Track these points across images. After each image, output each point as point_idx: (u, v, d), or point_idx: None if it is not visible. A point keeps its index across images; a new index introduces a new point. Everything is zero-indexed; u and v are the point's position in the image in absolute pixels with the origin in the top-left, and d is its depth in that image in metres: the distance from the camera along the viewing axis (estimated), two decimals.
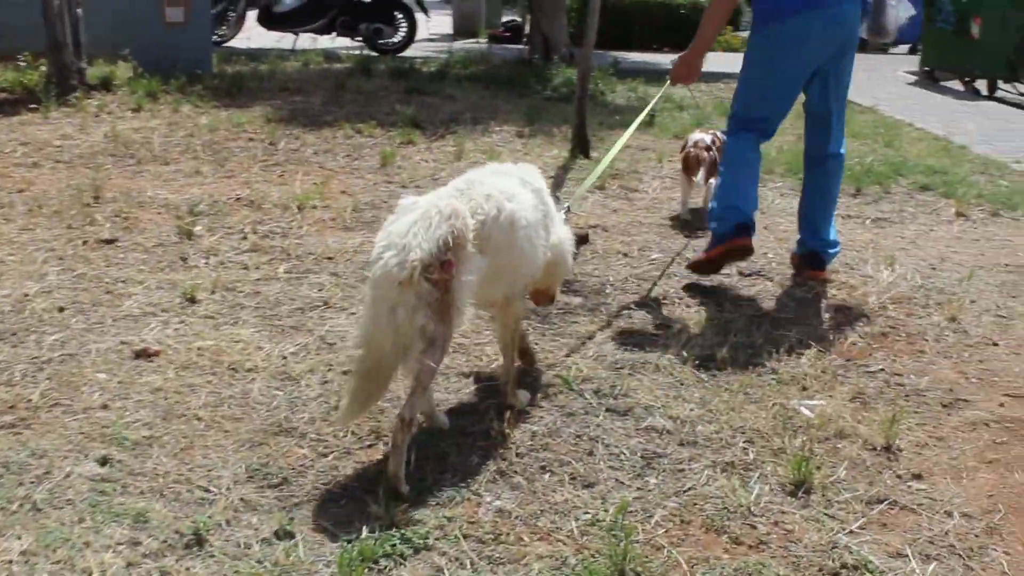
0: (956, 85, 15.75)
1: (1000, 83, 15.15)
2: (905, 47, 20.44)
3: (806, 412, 4.28)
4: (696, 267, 5.72)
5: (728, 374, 4.61)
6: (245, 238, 6.02)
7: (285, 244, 5.93)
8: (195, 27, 11.81)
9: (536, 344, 4.77)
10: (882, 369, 4.75)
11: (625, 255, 6.08)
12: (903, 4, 5.76)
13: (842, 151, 5.87)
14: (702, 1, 17.11)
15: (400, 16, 14.82)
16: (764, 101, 5.60)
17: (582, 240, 5.18)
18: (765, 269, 5.94)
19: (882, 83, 15.08)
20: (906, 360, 4.86)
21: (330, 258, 5.75)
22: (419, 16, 15.09)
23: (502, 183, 3.89)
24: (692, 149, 6.86)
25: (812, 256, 5.86)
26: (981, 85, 15.39)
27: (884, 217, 7.19)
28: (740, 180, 5.59)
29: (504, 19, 18.49)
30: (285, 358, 4.47)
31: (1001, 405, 4.48)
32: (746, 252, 5.61)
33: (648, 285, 5.61)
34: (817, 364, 4.73)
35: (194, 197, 6.77)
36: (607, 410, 4.20)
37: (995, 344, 5.07)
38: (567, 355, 4.70)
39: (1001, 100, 14.65)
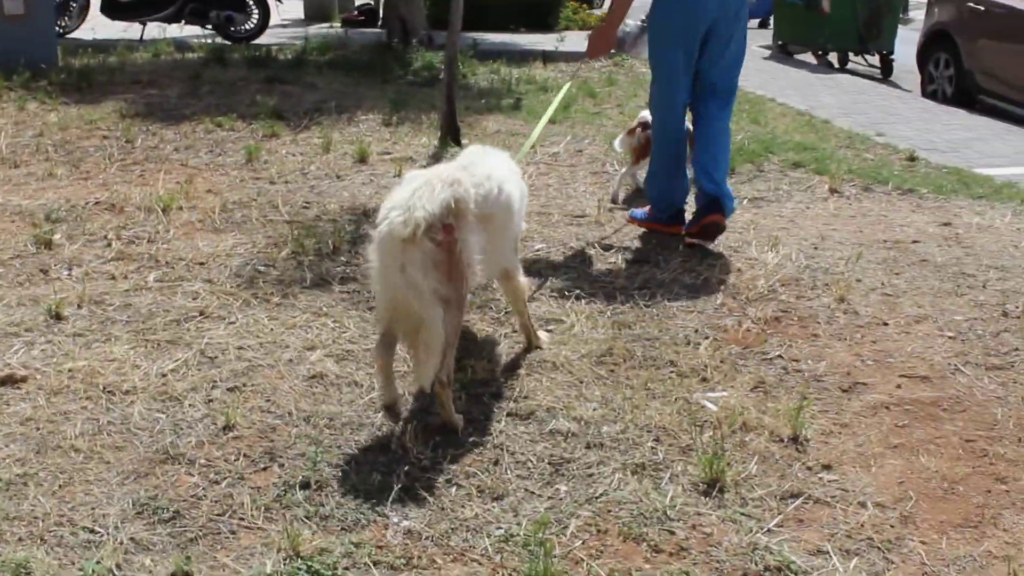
0: (809, 58, 15.99)
1: (851, 55, 15.43)
2: (755, 21, 20.67)
3: (710, 406, 4.20)
4: (633, 223, 6.27)
5: (627, 368, 4.50)
6: (109, 245, 5.69)
7: (153, 250, 5.62)
8: (37, 19, 11.23)
9: None
10: (779, 355, 4.70)
11: None
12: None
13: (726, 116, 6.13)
14: None
15: (251, 3, 14.37)
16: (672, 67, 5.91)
17: None
18: (651, 257, 5.84)
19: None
20: (801, 344, 4.82)
21: (202, 263, 5.46)
22: (271, 2, 14.66)
23: (500, 164, 4.23)
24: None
25: (711, 201, 5.96)
26: (833, 58, 15.65)
27: (761, 196, 7.17)
28: (675, 174, 6.17)
29: (358, 2, 18.12)
30: (164, 376, 4.21)
31: (898, 387, 4.47)
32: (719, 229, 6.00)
33: (535, 279, 5.46)
34: (715, 354, 4.65)
35: (50, 202, 6.38)
36: (508, 415, 4.05)
37: (885, 324, 5.07)
38: (460, 357, 4.52)
39: (853, 72, 14.93)
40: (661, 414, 4.09)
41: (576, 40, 15.25)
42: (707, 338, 4.82)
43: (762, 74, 13.81)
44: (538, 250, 5.89)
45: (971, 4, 12.13)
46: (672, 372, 4.48)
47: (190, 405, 3.99)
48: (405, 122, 8.92)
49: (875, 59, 15.27)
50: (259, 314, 4.84)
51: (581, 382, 4.35)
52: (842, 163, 8.05)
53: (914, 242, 6.26)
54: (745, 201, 7.03)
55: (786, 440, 3.97)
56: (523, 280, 4.54)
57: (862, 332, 4.97)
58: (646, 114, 6.72)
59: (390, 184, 6.86)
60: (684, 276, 5.56)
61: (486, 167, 4.07)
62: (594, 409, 4.11)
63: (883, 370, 4.61)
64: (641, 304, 5.17)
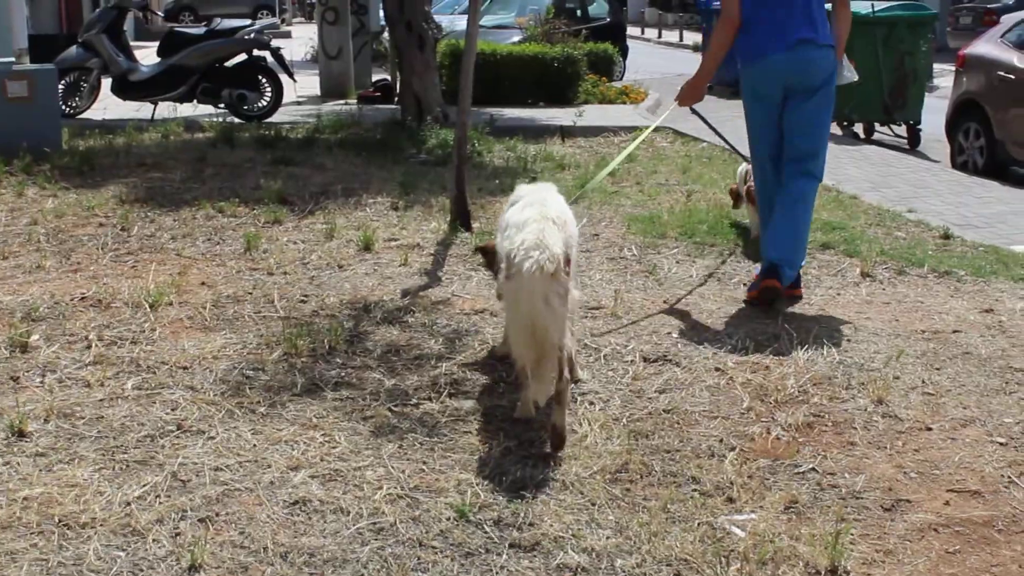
0: (834, 129, 15.61)
1: (877, 126, 15.07)
2: None
3: (737, 532, 3.76)
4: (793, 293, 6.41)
5: (644, 487, 4.07)
6: (89, 347, 5.29)
7: (135, 353, 5.23)
8: (41, 100, 10.98)
9: (422, 464, 4.18)
10: (813, 468, 4.26)
11: None
12: (849, 68, 6.56)
13: (810, 181, 6.46)
14: (575, 54, 16.75)
15: (265, 80, 14.12)
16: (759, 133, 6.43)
17: None
18: (671, 352, 5.42)
19: None
20: (837, 455, 4.38)
21: (186, 367, 5.07)
22: (285, 79, 14.44)
23: (560, 202, 4.79)
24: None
25: (769, 266, 6.22)
26: (859, 128, 15.29)
27: None
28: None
29: (375, 78, 17.92)
30: (129, 504, 3.79)
31: (947, 504, 4.03)
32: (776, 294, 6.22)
33: None
34: (741, 468, 4.21)
35: (33, 298, 6.01)
36: (511, 546, 3.62)
37: (928, 429, 4.63)
38: (460, 475, 4.10)
39: (879, 143, 14.54)
40: (682, 543, 3.65)
41: (595, 114, 14.97)
42: (732, 449, 4.38)
43: None
44: None
45: (1001, 73, 11.75)
46: (694, 490, 4.05)
47: (154, 540, 3.56)
48: (414, 205, 8.56)
49: (902, 129, 14.89)
50: (242, 427, 4.43)
51: (593, 504, 3.91)
52: (873, 244, 7.63)
53: (955, 332, 5.82)
54: None
55: (824, 573, 3.52)
56: (578, 294, 4.94)
57: (903, 439, 4.53)
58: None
59: (394, 275, 6.51)
60: (707, 376, 5.13)
61: (560, 207, 4.68)
62: (607, 538, 3.68)
63: (928, 484, 4.17)
64: (660, 410, 4.74)
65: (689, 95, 6.60)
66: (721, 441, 4.45)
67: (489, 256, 5.26)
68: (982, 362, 5.38)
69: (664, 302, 6.23)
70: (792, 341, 5.59)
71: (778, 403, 4.83)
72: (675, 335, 5.67)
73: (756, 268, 6.61)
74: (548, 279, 4.21)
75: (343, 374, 5.02)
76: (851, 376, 5.14)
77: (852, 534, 3.77)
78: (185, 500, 3.82)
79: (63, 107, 13.60)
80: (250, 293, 6.20)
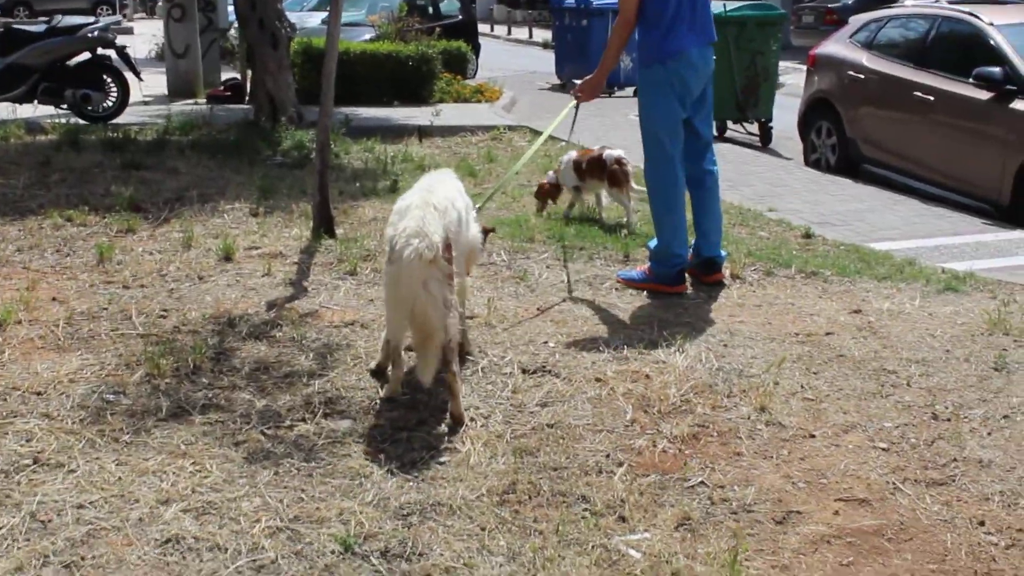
0: None
1: (729, 124, 15.25)
2: (631, 89, 20.52)
3: (633, 553, 3.67)
4: (627, 284, 6.66)
5: (534, 508, 3.94)
6: None
7: None
8: None
9: (301, 492, 3.97)
10: (702, 482, 4.20)
11: None
12: None
13: (716, 168, 6.85)
14: (429, 52, 16.54)
15: (110, 80, 13.56)
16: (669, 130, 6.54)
17: (487, 232, 5.87)
18: (550, 363, 5.30)
19: (616, 128, 14.88)
20: (725, 467, 4.32)
21: (40, 393, 4.74)
22: (131, 78, 13.90)
23: (451, 187, 4.98)
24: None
25: (710, 262, 6.76)
26: None
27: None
28: (681, 220, 6.62)
29: (224, 77, 17.42)
30: None
31: (836, 514, 4.02)
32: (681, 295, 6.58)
33: (422, 396, 4.86)
34: (632, 484, 4.12)
35: None
36: None
37: (812, 436, 4.62)
38: (342, 503, 3.91)
39: (732, 141, 14.72)
40: (578, 568, 3.54)
41: (452, 113, 14.81)
42: (620, 465, 4.28)
43: (639, 146, 13.47)
44: None
45: (851, 72, 11.98)
46: (586, 510, 3.94)
47: None
48: (274, 211, 8.27)
49: (754, 127, 15.10)
50: (105, 458, 4.15)
51: (483, 529, 3.77)
52: (740, 244, 7.66)
53: (827, 334, 5.84)
54: (644, 292, 6.56)
55: None
56: (466, 285, 5.37)
57: (788, 447, 4.50)
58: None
59: (257, 286, 6.26)
60: (588, 387, 5.03)
61: (446, 193, 4.83)
62: (500, 566, 3.55)
63: (817, 493, 4.14)
64: (544, 424, 4.62)
65: (590, 92, 6.93)
66: (608, 456, 4.35)
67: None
68: (856, 364, 5.41)
69: (538, 309, 6.12)
70: (670, 347, 5.53)
71: (662, 413, 4.76)
72: (552, 344, 5.56)
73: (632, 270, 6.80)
74: (427, 265, 4.41)
75: (210, 395, 4.77)
76: (732, 383, 5.10)
77: (747, 549, 3.70)
78: (47, 544, 3.54)
79: None
80: (105, 309, 5.88)
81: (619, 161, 8.10)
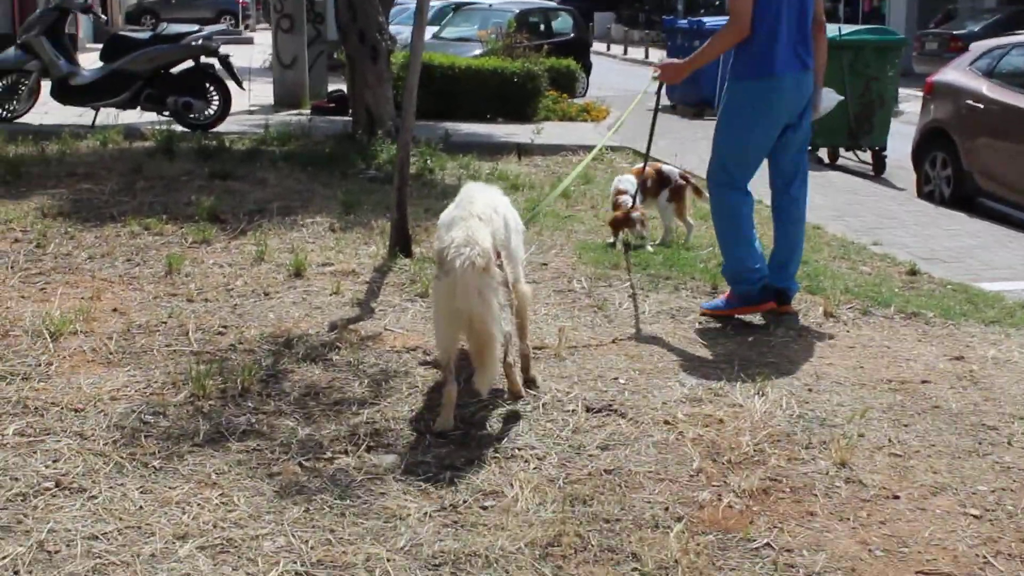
0: None
1: (842, 151, 14.73)
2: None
3: None
4: (714, 314, 6.34)
5: (578, 564, 3.61)
6: None
7: (24, 391, 4.71)
8: None
9: (329, 532, 3.70)
10: (767, 544, 3.81)
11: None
12: (830, 91, 6.86)
13: (802, 197, 6.51)
14: (535, 70, 16.30)
15: (212, 88, 13.59)
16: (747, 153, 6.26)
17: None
18: (617, 401, 4.96)
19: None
20: (795, 527, 3.94)
21: (78, 410, 4.55)
22: (234, 88, 13.91)
23: (496, 198, 4.99)
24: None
25: (782, 293, 6.38)
26: (823, 153, 14.93)
27: (745, 322, 6.31)
28: (749, 238, 6.31)
29: (330, 89, 17.41)
30: None
31: None
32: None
33: (476, 431, 4.57)
34: (688, 543, 3.75)
35: None
36: None
37: (895, 497, 4.19)
38: (370, 548, 3.62)
39: (844, 168, 14.20)
40: None
41: (554, 132, 14.54)
42: (679, 520, 3.92)
43: None
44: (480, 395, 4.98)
45: (970, 102, 11.41)
46: (635, 570, 3.59)
47: None
48: (354, 227, 8.07)
49: (867, 155, 14.54)
50: (129, 485, 3.93)
51: None
52: (837, 280, 7.22)
53: (923, 382, 5.40)
54: (728, 328, 6.19)
55: None
56: (528, 291, 5.20)
57: (868, 509, 4.09)
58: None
59: (323, 305, 6.04)
60: (655, 430, 4.67)
61: (487, 201, 4.84)
62: None
63: (896, 564, 3.74)
64: (601, 469, 4.28)
65: (670, 74, 6.73)
66: (667, 510, 3.99)
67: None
68: (953, 418, 4.97)
69: (612, 342, 5.78)
70: (749, 390, 5.16)
71: (731, 464, 4.39)
72: (622, 380, 5.22)
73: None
74: (480, 273, 4.42)
75: (253, 420, 4.53)
76: (811, 433, 4.71)
77: None
78: None
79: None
80: (164, 322, 5.71)
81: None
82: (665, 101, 21.72)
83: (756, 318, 6.34)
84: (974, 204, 11.31)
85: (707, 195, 6.79)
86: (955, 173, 11.62)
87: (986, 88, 11.34)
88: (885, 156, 14.25)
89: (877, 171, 14.22)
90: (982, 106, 11.26)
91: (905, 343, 6.07)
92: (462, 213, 4.67)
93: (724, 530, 3.89)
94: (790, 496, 4.17)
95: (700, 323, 6.23)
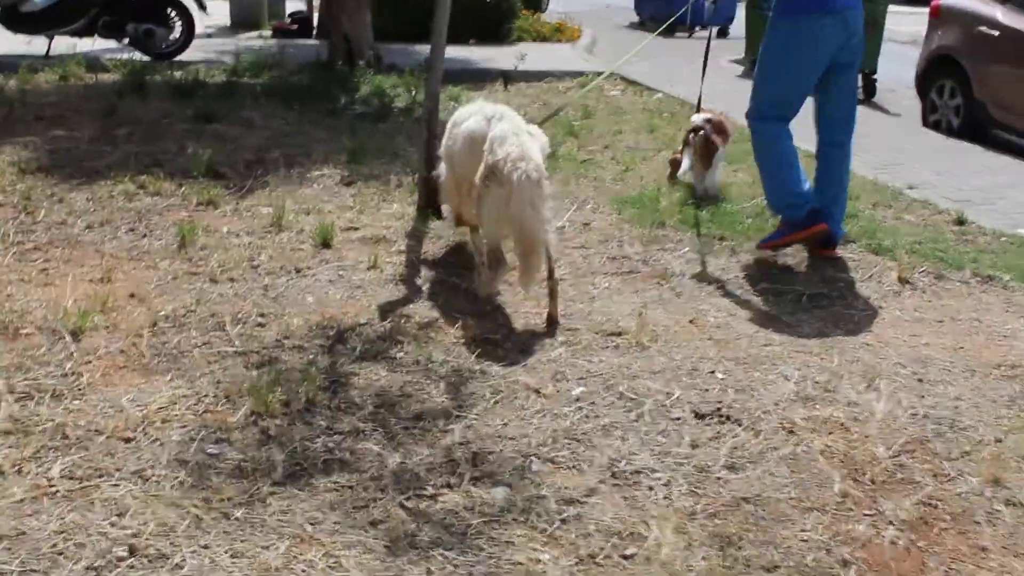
0: None
1: None
2: (715, 30, 19.41)
3: None
4: (769, 247, 6.26)
5: None
6: None
7: (59, 413, 4.07)
8: None
9: None
10: None
11: (538, 392, 4.47)
12: None
13: (848, 140, 6.48)
14: None
15: (174, 14, 12.72)
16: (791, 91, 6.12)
17: None
18: (725, 403, 4.44)
19: (711, 77, 13.86)
20: (971, 568, 3.47)
21: (128, 439, 3.92)
22: (195, 12, 13.03)
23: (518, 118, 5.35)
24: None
25: (828, 237, 6.26)
26: None
27: (818, 292, 5.82)
28: (792, 163, 6.21)
29: (290, 10, 16.52)
30: None
31: None
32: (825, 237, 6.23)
33: (583, 449, 4.04)
34: None
35: None
36: None
37: None
38: None
39: None
40: None
41: (535, 56, 13.90)
42: (846, 565, 3.44)
43: (740, 96, 12.48)
44: (577, 396, 4.45)
45: (983, 28, 10.89)
46: None
47: None
48: (368, 181, 7.42)
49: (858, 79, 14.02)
50: (216, 547, 3.33)
51: None
52: (896, 236, 6.74)
53: None
54: (804, 298, 5.70)
55: None
56: (554, 239, 5.30)
57: None
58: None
59: (364, 283, 5.45)
60: (777, 440, 4.17)
61: (521, 122, 5.30)
62: None
63: None
64: (739, 498, 3.77)
65: None
66: (828, 552, 3.50)
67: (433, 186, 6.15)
68: None
69: (691, 322, 5.27)
70: (857, 382, 4.67)
71: (876, 484, 3.91)
72: (720, 375, 4.70)
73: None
74: (534, 185, 4.90)
75: (330, 444, 3.95)
76: (948, 440, 4.23)
77: None
78: None
79: None
80: (193, 311, 5.08)
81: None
82: (634, 18, 21.17)
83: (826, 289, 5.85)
84: (986, 135, 10.87)
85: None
86: (965, 103, 11.15)
87: (1000, 14, 10.81)
88: (875, 80, 13.77)
89: (868, 95, 13.72)
90: (997, 33, 10.75)
91: (993, 314, 5.63)
92: (511, 128, 5.07)
93: (897, 575, 3.42)
94: (952, 526, 3.70)
95: (772, 293, 5.74)
